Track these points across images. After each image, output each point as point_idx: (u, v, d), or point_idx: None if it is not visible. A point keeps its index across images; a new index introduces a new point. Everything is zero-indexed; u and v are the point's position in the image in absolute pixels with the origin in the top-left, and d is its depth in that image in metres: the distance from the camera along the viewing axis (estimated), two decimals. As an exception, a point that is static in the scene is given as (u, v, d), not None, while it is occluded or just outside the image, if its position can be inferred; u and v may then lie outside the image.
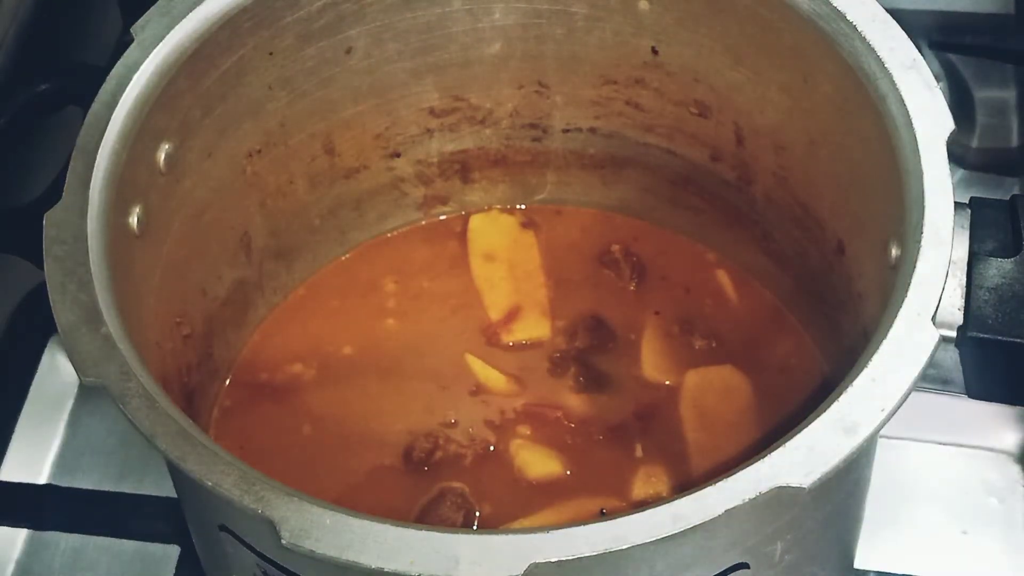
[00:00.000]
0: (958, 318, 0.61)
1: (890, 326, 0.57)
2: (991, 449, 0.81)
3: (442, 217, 0.83)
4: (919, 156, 0.60)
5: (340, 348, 0.79)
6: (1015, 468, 0.80)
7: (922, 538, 0.78)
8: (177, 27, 0.67)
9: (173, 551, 0.79)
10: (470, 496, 0.72)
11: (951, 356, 0.63)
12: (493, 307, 0.80)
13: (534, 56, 0.77)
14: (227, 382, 0.78)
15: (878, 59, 0.63)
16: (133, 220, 0.65)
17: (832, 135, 0.69)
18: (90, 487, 0.82)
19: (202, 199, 0.72)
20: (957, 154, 0.90)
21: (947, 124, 0.61)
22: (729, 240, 0.80)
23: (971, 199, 0.64)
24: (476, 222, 0.83)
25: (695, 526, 0.52)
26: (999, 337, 0.61)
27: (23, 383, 0.86)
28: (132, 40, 0.67)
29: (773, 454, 0.54)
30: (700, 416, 0.74)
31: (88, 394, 0.85)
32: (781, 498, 0.53)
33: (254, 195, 0.76)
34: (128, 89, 0.65)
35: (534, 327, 0.79)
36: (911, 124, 0.61)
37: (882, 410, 0.55)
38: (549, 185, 0.83)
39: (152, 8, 0.68)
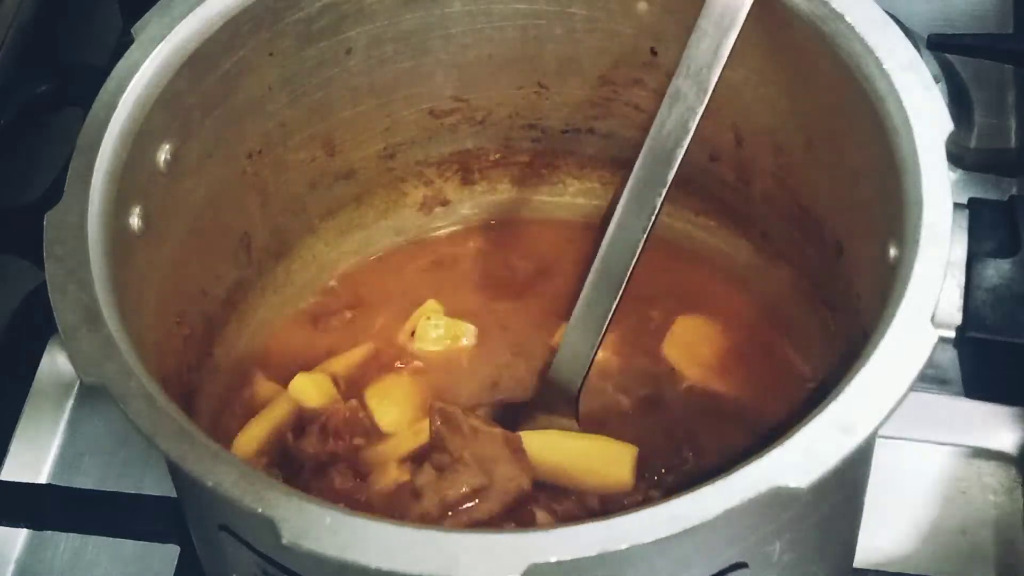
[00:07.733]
0: (957, 318, 0.61)
1: (889, 326, 0.57)
2: (990, 449, 0.80)
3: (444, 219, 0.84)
4: (918, 157, 0.60)
5: (339, 349, 0.79)
6: (1014, 468, 0.80)
7: (921, 538, 0.78)
8: (177, 27, 0.67)
9: (173, 551, 0.78)
10: None
11: (950, 356, 0.63)
12: None
13: (534, 57, 0.77)
14: (227, 382, 0.78)
15: (877, 60, 0.63)
16: (133, 220, 0.65)
17: (831, 136, 0.69)
18: (90, 487, 0.82)
19: (202, 199, 0.72)
20: (956, 155, 0.90)
21: (946, 125, 0.61)
22: (728, 240, 0.80)
23: (970, 199, 0.64)
24: None
25: (694, 526, 0.52)
26: (997, 337, 0.61)
27: (23, 383, 0.86)
28: (132, 40, 0.67)
29: (771, 454, 0.54)
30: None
31: (88, 394, 0.85)
32: (779, 498, 0.53)
33: (254, 195, 0.76)
34: (128, 89, 0.65)
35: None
36: (910, 125, 0.61)
37: (880, 410, 0.55)
38: (548, 186, 0.83)
39: (152, 8, 0.68)
